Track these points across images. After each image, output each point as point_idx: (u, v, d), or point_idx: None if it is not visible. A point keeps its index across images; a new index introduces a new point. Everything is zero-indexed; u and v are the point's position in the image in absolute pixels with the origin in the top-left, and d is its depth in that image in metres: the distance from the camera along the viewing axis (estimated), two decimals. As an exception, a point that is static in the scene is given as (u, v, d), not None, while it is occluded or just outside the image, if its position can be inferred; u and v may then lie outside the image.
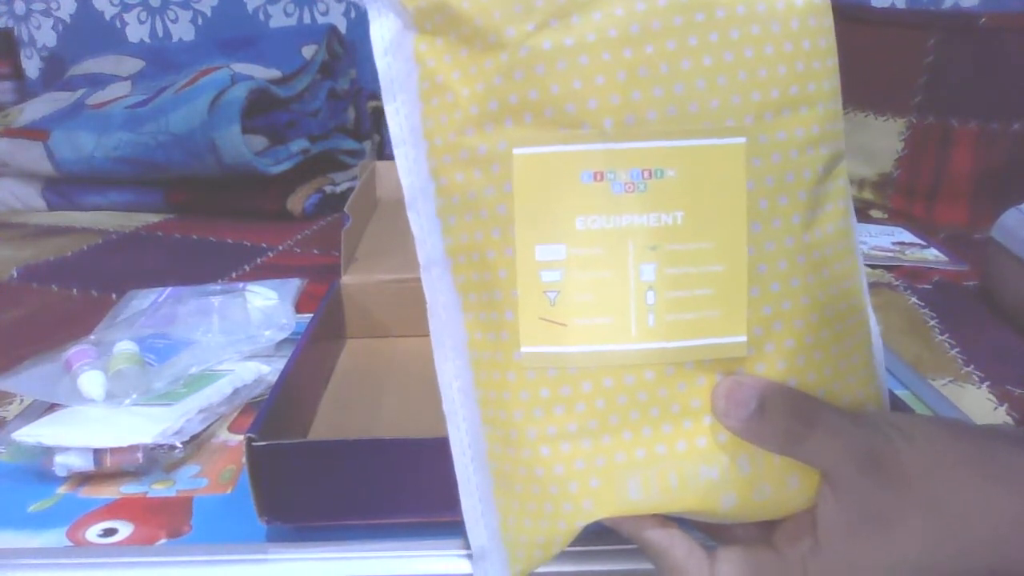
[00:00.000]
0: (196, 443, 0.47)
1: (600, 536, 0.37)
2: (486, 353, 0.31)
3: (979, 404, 0.53)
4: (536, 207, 0.29)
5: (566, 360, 0.29)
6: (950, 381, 0.56)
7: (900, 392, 0.52)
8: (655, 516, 0.30)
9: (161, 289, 0.70)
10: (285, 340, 0.58)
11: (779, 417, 0.28)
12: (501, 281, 0.30)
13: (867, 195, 1.07)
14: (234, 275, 0.81)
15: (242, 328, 0.58)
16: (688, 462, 0.29)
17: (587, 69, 0.28)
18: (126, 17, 1.41)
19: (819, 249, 0.30)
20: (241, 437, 0.39)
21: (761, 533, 0.31)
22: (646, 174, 0.28)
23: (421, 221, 0.32)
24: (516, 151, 0.29)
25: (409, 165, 0.32)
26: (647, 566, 0.35)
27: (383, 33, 0.31)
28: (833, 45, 0.30)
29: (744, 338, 0.29)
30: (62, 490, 0.43)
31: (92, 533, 0.39)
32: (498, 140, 0.29)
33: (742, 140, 0.28)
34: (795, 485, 0.29)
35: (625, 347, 0.29)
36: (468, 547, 0.33)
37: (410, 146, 0.31)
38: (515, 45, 0.28)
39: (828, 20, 0.30)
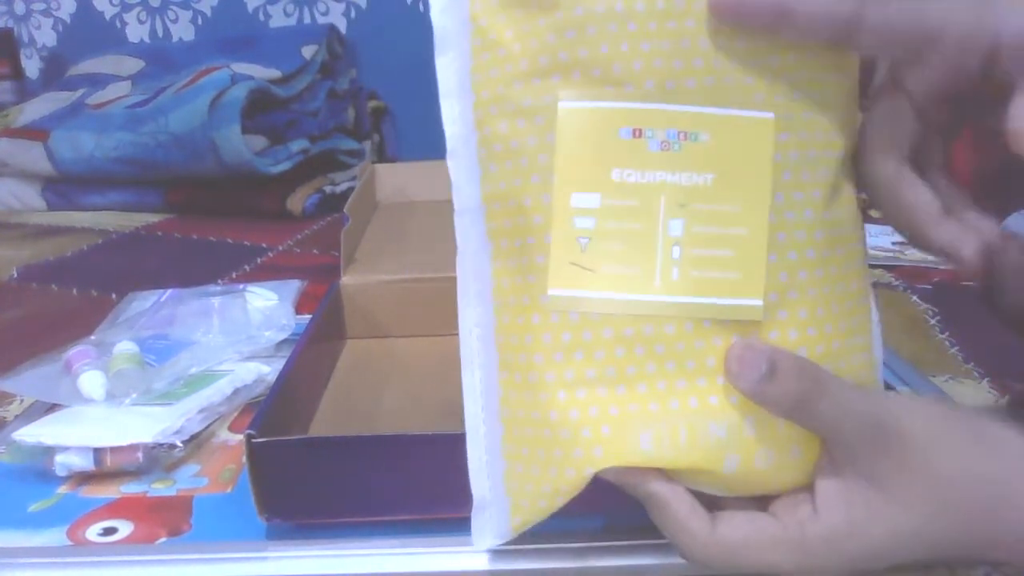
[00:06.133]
0: (196, 442, 0.47)
1: (601, 533, 0.37)
2: (511, 298, 0.32)
3: (980, 400, 0.53)
4: (576, 157, 0.30)
5: (591, 305, 0.30)
6: (950, 378, 0.56)
7: (900, 389, 0.52)
8: (660, 470, 0.30)
9: (162, 291, 0.70)
10: (285, 340, 0.58)
11: (788, 382, 0.29)
12: (535, 227, 0.31)
13: (867, 194, 1.07)
14: (234, 275, 0.81)
15: (242, 329, 0.58)
16: (699, 418, 0.30)
17: (634, 35, 0.29)
18: (126, 17, 1.42)
19: (836, 228, 0.31)
20: (241, 436, 0.39)
21: (758, 506, 0.31)
22: (682, 135, 0.30)
23: (460, 169, 0.33)
24: (561, 104, 0.30)
25: (454, 116, 0.33)
26: (649, 562, 0.35)
27: None
28: None
29: (760, 302, 0.30)
30: (62, 490, 0.43)
31: (92, 532, 0.39)
32: (544, 94, 0.30)
33: (771, 115, 0.30)
34: (796, 455, 0.30)
35: (648, 297, 0.30)
36: (469, 544, 0.33)
37: (456, 99, 0.33)
38: (569, 6, 0.30)
39: None
